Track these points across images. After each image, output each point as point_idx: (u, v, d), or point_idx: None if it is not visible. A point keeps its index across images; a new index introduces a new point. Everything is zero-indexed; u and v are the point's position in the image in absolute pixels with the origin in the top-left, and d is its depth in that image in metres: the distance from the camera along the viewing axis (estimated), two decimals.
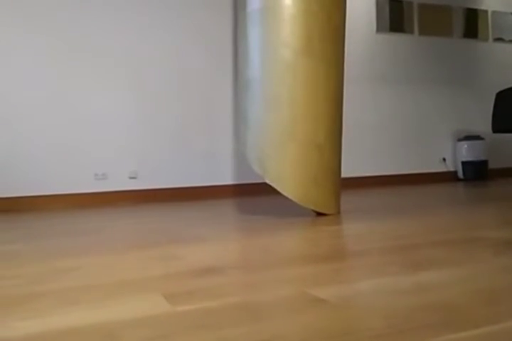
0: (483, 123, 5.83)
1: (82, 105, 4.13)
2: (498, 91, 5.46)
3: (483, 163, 5.49)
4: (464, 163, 5.49)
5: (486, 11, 5.74)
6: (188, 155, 4.47)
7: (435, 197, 3.49)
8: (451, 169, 5.63)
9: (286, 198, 3.55)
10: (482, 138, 5.51)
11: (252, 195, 4.59)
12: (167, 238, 1.94)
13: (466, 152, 5.48)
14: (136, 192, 4.30)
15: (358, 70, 5.17)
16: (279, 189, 2.46)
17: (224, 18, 4.59)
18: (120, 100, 4.25)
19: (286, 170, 2.47)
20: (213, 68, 4.54)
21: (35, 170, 4.00)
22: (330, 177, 2.54)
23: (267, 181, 2.48)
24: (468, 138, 5.50)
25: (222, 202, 3.85)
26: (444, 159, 5.61)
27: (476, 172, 5.47)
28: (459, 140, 5.55)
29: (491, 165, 5.80)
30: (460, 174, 5.55)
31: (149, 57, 4.33)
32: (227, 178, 4.61)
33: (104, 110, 4.20)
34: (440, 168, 5.58)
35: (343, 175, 4.84)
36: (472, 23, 5.67)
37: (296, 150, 2.47)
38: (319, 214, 2.59)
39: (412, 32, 5.39)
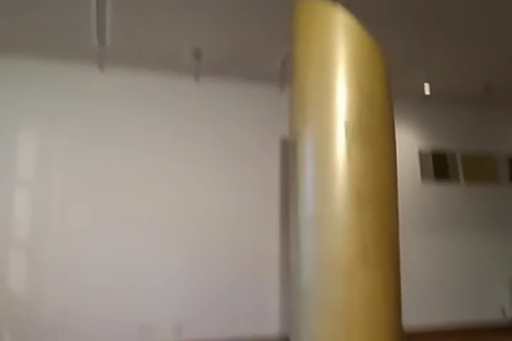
0: None
1: (129, 261, 4.05)
2: None
3: None
4: None
5: None
6: (234, 308, 4.22)
7: None
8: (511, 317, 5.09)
9: None
10: None
11: None
12: None
13: None
14: None
15: (405, 219, 4.93)
16: None
17: (272, 183, 4.58)
18: (167, 257, 4.15)
19: None
20: (262, 226, 4.44)
21: (80, 326, 3.83)
22: None
23: None
24: None
25: None
26: (504, 309, 5.09)
27: None
28: None
29: None
30: None
31: (201, 215, 4.28)
32: (273, 330, 4.29)
33: (150, 266, 4.09)
34: (499, 317, 5.05)
35: None
36: None
37: None
38: None
39: (457, 180, 5.21)
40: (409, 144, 5.16)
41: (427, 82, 4.62)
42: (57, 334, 3.76)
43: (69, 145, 4.05)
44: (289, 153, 2.84)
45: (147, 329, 3.99)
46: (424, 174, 5.12)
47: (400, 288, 2.38)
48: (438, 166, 5.17)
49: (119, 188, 4.11)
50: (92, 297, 3.90)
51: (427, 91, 4.61)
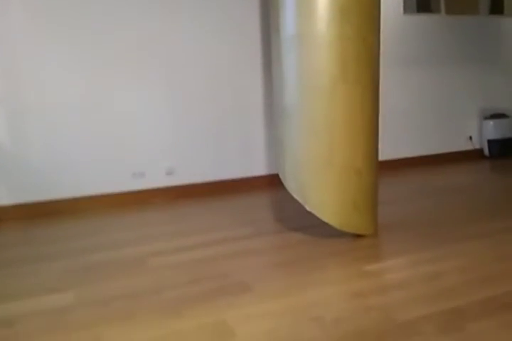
0: (509, 101, 5.54)
1: (117, 104, 3.98)
2: None
3: (509, 141, 5.27)
4: (489, 141, 5.27)
5: None
6: (223, 148, 4.35)
7: (468, 192, 3.39)
8: (478, 147, 5.42)
9: None
10: (508, 117, 5.26)
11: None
12: (213, 284, 1.91)
13: (492, 130, 5.25)
14: (173, 188, 4.22)
15: (385, 52, 4.89)
16: (319, 216, 2.37)
17: (253, 13, 4.34)
18: (154, 98, 4.09)
19: (325, 197, 2.36)
20: (244, 64, 4.32)
21: (72, 172, 3.89)
22: (369, 201, 2.44)
23: (308, 209, 2.40)
24: (494, 116, 5.25)
25: (257, 199, 3.86)
26: (471, 137, 5.38)
27: (502, 150, 5.26)
28: (485, 118, 5.30)
29: None
30: (486, 152, 5.34)
31: (182, 56, 4.14)
32: (261, 169, 4.51)
33: (138, 108, 4.04)
34: (467, 147, 5.38)
35: None
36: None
37: (335, 176, 2.35)
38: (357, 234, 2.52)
39: (438, 11, 5.04)
40: None
41: None
42: (48, 182, 3.83)
43: None
44: None
45: (140, 175, 4.12)
46: (406, 6, 4.92)
47: (378, 104, 2.46)
48: None
49: (98, 30, 3.89)
50: (81, 144, 3.87)
51: None
